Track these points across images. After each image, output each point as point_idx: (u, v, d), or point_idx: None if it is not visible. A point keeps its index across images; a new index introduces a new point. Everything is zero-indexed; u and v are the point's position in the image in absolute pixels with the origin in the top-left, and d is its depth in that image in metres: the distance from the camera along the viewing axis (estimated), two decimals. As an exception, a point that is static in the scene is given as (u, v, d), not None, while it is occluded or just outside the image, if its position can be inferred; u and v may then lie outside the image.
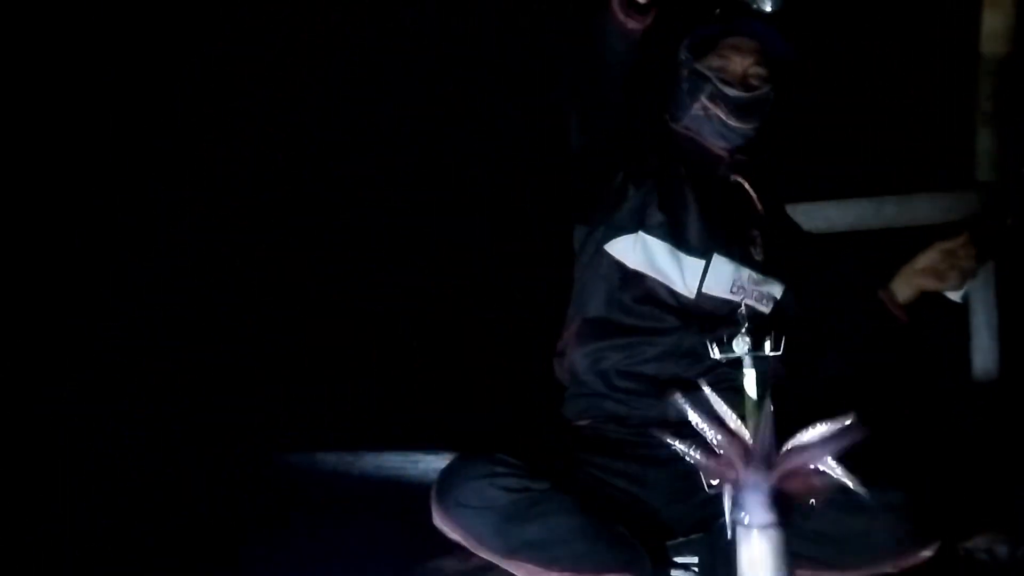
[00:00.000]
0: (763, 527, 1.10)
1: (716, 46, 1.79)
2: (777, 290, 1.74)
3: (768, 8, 1.75)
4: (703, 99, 1.77)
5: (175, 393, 2.51)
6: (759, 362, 1.21)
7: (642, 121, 1.87)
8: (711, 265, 1.70)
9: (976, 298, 2.23)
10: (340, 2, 2.71)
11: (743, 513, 1.10)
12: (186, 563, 1.88)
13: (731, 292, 1.69)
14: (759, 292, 1.72)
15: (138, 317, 2.58)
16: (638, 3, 1.48)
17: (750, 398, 1.18)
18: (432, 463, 2.07)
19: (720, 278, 1.70)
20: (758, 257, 1.74)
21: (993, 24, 2.23)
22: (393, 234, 2.79)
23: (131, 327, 2.56)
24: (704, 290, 1.69)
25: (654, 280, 1.71)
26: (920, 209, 2.25)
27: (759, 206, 1.79)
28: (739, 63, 1.76)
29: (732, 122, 1.75)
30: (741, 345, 1.23)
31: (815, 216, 2.17)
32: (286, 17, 2.71)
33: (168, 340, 2.61)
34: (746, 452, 1.14)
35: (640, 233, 1.72)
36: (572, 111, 1.72)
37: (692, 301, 1.69)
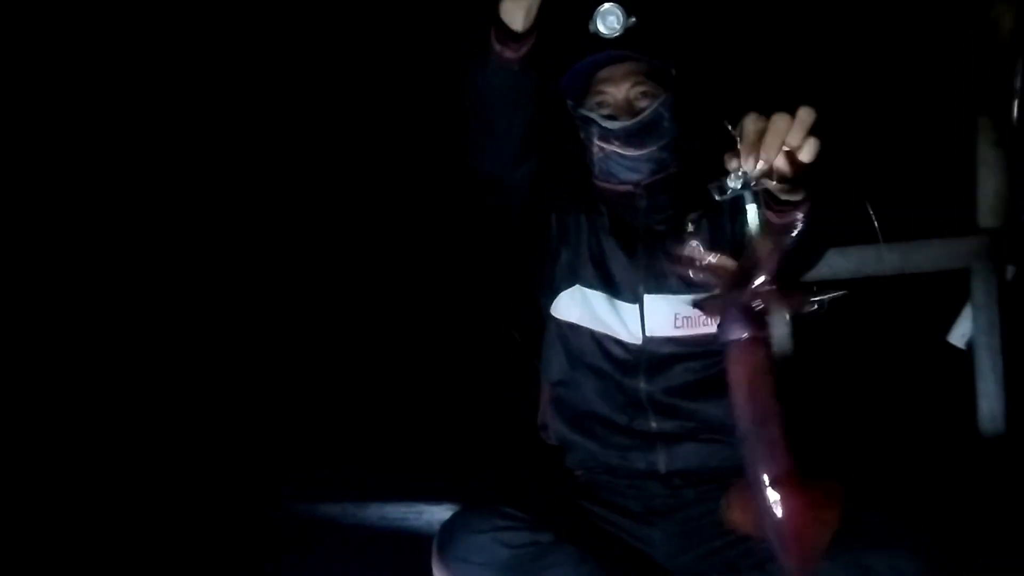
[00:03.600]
0: (742, 339, 1.16)
1: (591, 84, 1.75)
2: None
3: (607, 32, 1.65)
4: (596, 141, 1.74)
5: (175, 437, 2.50)
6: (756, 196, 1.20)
7: (569, 186, 1.83)
8: (644, 307, 1.68)
9: (980, 344, 2.23)
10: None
11: (727, 327, 1.17)
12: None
13: (675, 327, 1.66)
14: None
15: (133, 357, 2.58)
16: (512, 31, 1.47)
17: (751, 228, 1.20)
18: (435, 514, 2.07)
19: (659, 317, 1.67)
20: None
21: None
22: (402, 273, 2.79)
23: (126, 364, 2.56)
24: (648, 333, 1.67)
25: (601, 335, 1.70)
26: (923, 256, 2.25)
27: (690, 220, 1.71)
28: (616, 92, 1.72)
29: (630, 152, 1.71)
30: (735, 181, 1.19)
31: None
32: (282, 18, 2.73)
33: (171, 387, 2.61)
34: (729, 275, 1.19)
35: (578, 286, 1.73)
36: (482, 182, 1.70)
37: (641, 347, 1.67)
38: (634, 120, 1.69)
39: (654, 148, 1.72)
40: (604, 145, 1.73)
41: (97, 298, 2.52)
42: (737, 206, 1.27)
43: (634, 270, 1.70)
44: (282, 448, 2.54)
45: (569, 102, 1.79)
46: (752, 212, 1.20)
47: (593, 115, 1.72)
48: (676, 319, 1.66)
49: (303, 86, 2.79)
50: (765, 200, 1.27)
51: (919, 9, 2.43)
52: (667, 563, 1.57)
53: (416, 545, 1.72)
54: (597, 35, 1.66)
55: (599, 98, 1.74)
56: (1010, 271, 2.25)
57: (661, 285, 1.68)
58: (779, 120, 1.15)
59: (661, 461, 1.63)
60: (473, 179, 1.71)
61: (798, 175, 1.19)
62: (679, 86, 1.75)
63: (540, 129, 1.66)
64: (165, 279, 2.67)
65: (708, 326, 1.62)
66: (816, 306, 1.18)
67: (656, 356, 1.66)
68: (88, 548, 2.12)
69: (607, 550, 1.53)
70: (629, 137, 1.70)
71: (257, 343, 2.72)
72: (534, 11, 1.47)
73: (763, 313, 1.17)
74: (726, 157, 1.18)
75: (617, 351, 1.69)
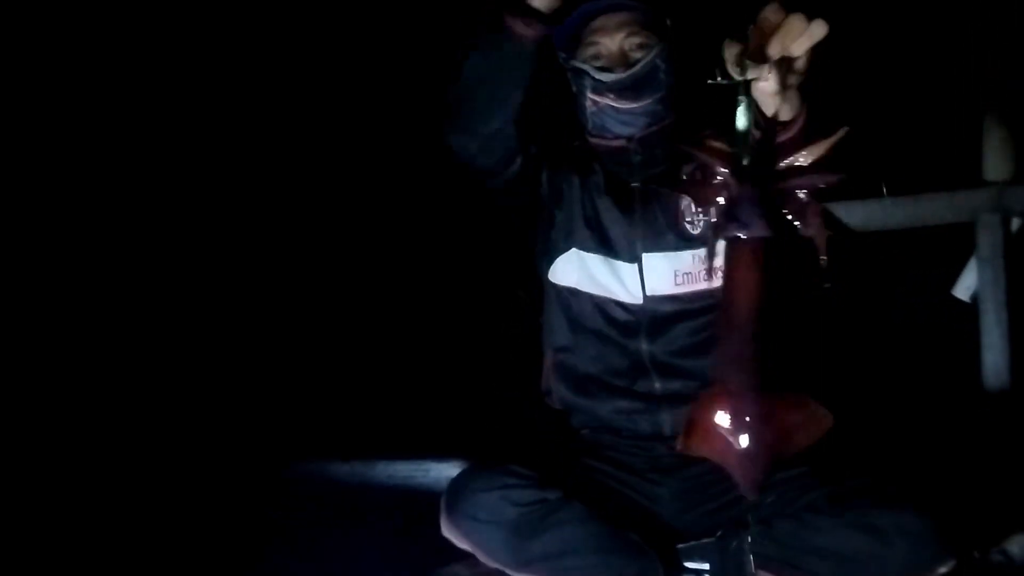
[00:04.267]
0: (753, 236, 1.13)
1: (584, 37, 1.70)
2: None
3: None
4: (589, 95, 1.68)
5: (186, 402, 2.51)
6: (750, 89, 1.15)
7: (562, 146, 1.80)
8: (644, 266, 1.65)
9: (986, 297, 2.23)
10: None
11: (733, 226, 1.13)
12: (197, 573, 1.88)
13: (676, 284, 1.64)
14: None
15: (144, 323, 2.58)
16: (534, 9, 1.43)
17: (740, 124, 1.15)
18: (443, 471, 2.08)
19: (659, 275, 1.65)
20: (696, 230, 1.65)
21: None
22: (405, 242, 2.79)
23: (136, 332, 2.56)
24: (649, 293, 1.65)
25: (601, 298, 1.68)
26: (929, 209, 2.24)
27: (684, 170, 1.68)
28: (610, 43, 1.66)
29: (624, 104, 1.65)
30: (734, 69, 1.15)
31: (822, 218, 2.16)
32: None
33: (177, 348, 2.61)
34: (737, 169, 1.15)
35: (574, 250, 1.71)
36: (471, 156, 1.65)
37: (642, 306, 1.66)
38: (629, 72, 1.63)
39: (649, 101, 1.65)
40: (597, 98, 1.67)
41: (93, 277, 2.52)
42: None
43: (631, 228, 1.68)
44: (289, 408, 2.55)
45: (561, 54, 1.74)
46: (743, 110, 1.15)
47: (586, 67, 1.66)
48: (676, 276, 1.64)
49: (296, 74, 2.77)
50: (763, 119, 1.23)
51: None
52: (674, 520, 1.59)
53: (424, 502, 1.73)
54: None
55: (592, 49, 1.68)
56: (1015, 224, 2.24)
57: (659, 242, 1.65)
58: (796, 20, 1.13)
59: (666, 423, 1.63)
60: (454, 155, 1.66)
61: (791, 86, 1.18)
62: (674, 36, 1.70)
63: (533, 106, 1.61)
64: (168, 255, 2.66)
65: (709, 282, 1.60)
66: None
67: (657, 315, 1.65)
68: (95, 506, 2.14)
69: (615, 507, 1.55)
70: (624, 90, 1.64)
71: (264, 304, 2.73)
72: None
73: (782, 208, 1.16)
74: (726, 44, 1.15)
75: (618, 313, 1.67)
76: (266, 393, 2.58)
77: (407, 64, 2.73)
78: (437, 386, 2.58)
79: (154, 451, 2.35)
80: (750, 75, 1.12)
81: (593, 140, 1.75)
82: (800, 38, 1.12)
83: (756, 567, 1.46)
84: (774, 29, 1.12)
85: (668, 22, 1.71)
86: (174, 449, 2.37)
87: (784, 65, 1.15)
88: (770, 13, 1.13)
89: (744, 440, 1.16)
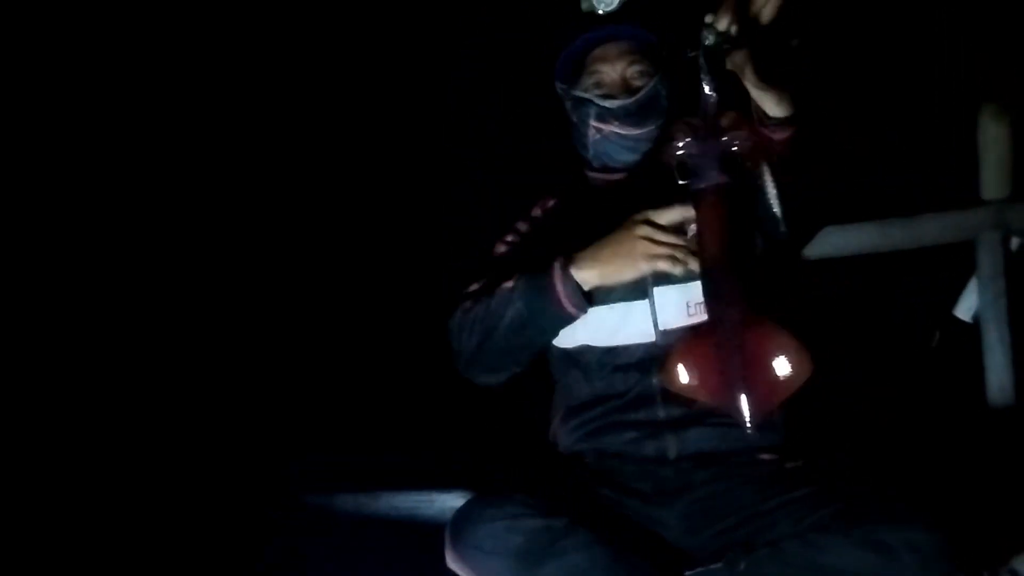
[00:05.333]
0: (715, 185, 1.37)
1: (585, 65, 1.74)
2: None
3: (602, 10, 1.68)
4: (592, 123, 1.71)
5: (185, 433, 2.50)
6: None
7: (559, 191, 1.84)
8: (655, 301, 1.65)
9: (987, 317, 2.22)
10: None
11: (694, 180, 1.37)
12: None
13: (689, 315, 1.63)
14: None
15: (142, 329, 2.57)
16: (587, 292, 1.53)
17: (703, 86, 1.34)
18: (447, 502, 2.06)
19: (671, 308, 1.64)
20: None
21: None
22: (405, 269, 2.79)
23: (134, 337, 2.55)
24: (662, 327, 1.64)
25: (611, 347, 1.68)
26: (926, 230, 2.24)
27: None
28: (611, 71, 1.70)
29: (629, 131, 1.69)
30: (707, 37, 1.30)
31: (819, 243, 2.16)
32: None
33: (175, 376, 2.59)
34: (693, 127, 1.39)
35: None
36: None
37: (654, 343, 1.65)
38: (633, 98, 1.67)
39: (652, 127, 1.70)
40: (602, 126, 1.71)
41: (91, 276, 2.51)
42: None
43: None
44: (291, 438, 2.53)
45: (561, 86, 1.77)
46: (703, 73, 1.33)
47: (590, 95, 1.70)
48: (689, 307, 1.63)
49: (296, 74, 2.78)
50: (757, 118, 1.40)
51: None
52: (680, 543, 1.57)
53: (429, 534, 1.72)
54: (591, 13, 1.68)
55: (594, 78, 1.72)
56: (1015, 242, 2.25)
57: (669, 275, 1.62)
58: None
59: (671, 447, 1.63)
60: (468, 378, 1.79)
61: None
62: (670, 65, 1.73)
63: None
64: (169, 264, 2.65)
65: None
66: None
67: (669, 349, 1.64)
68: (86, 540, 2.12)
69: (621, 533, 1.53)
70: (628, 116, 1.68)
71: (266, 332, 2.72)
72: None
73: (735, 159, 1.37)
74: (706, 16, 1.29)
75: (628, 356, 1.67)
76: (267, 423, 2.56)
77: (407, 66, 2.76)
78: (441, 415, 2.57)
79: (147, 476, 2.33)
80: (711, 39, 1.28)
81: (593, 175, 1.77)
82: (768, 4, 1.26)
83: (765, 589, 1.45)
84: None
85: (664, 53, 1.73)
86: (170, 477, 2.35)
87: (754, 35, 1.27)
88: None
89: (734, 368, 1.37)
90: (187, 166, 2.68)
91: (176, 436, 2.45)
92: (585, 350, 1.71)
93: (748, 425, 1.39)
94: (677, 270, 1.52)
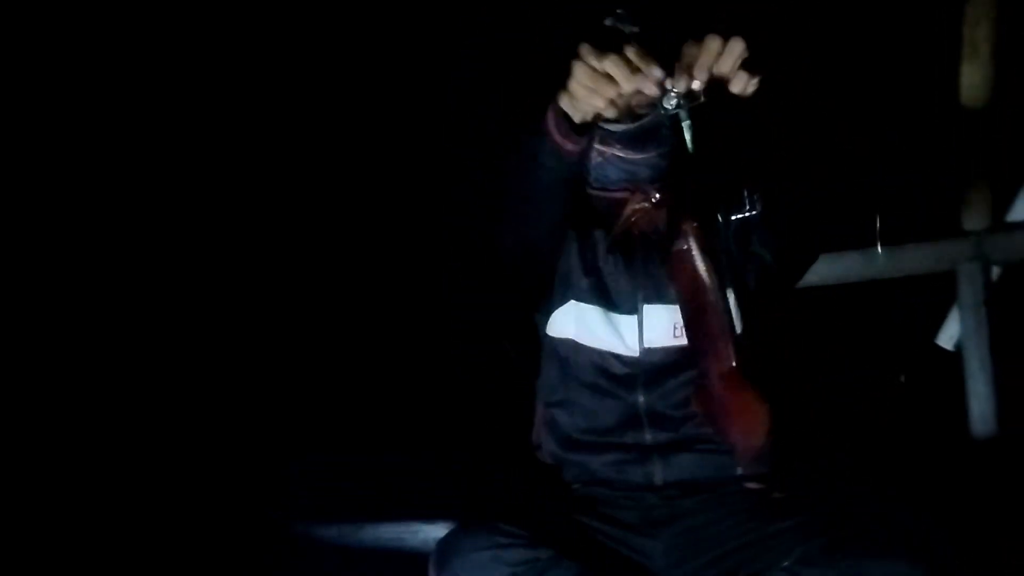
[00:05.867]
0: (679, 251, 1.41)
1: None
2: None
3: (627, 31, 1.65)
4: (596, 145, 1.71)
5: (167, 455, 2.48)
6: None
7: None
8: (644, 317, 1.66)
9: (969, 345, 2.24)
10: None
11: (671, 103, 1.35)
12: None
13: (674, 336, 1.64)
14: None
15: (142, 327, 2.55)
16: (575, 124, 1.45)
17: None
18: (431, 532, 2.05)
19: (657, 327, 1.65)
20: None
21: (972, 76, 2.26)
22: (386, 295, 2.79)
23: (134, 336, 2.53)
24: (646, 344, 1.65)
25: (598, 351, 1.68)
26: (909, 259, 2.26)
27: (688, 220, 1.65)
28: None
29: (630, 155, 1.69)
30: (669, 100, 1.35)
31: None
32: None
33: (177, 378, 2.57)
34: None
35: (572, 302, 1.71)
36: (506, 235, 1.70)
37: (637, 359, 1.66)
38: (637, 124, 1.66)
39: (653, 153, 1.69)
40: (604, 148, 1.71)
41: (92, 275, 2.49)
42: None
43: (632, 280, 1.68)
44: (274, 467, 2.52)
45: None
46: (686, 129, 1.36)
47: None
48: (675, 329, 1.63)
49: (295, 75, 2.78)
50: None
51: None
52: (667, 574, 1.57)
53: (413, 564, 1.71)
54: (613, 30, 1.65)
55: None
56: (995, 272, 2.27)
57: (661, 294, 1.65)
58: (711, 42, 1.31)
59: (657, 473, 1.63)
60: (494, 250, 1.72)
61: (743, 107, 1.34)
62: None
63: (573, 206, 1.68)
64: (168, 265, 2.63)
65: None
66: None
67: (654, 368, 1.65)
68: (86, 539, 2.10)
69: (607, 564, 1.53)
70: (630, 140, 1.68)
71: (247, 357, 2.70)
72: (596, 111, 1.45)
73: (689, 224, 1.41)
74: (666, 78, 1.34)
75: (615, 366, 1.67)
76: (250, 452, 2.54)
77: (407, 66, 2.76)
78: (423, 444, 2.56)
79: (132, 507, 2.31)
80: (672, 105, 1.34)
81: (594, 192, 1.77)
82: (723, 58, 1.30)
83: (750, 621, 1.45)
84: (695, 57, 1.30)
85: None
86: (153, 504, 2.33)
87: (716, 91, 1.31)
88: (689, 48, 1.32)
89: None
90: (188, 166, 2.67)
91: (175, 435, 2.43)
92: (571, 344, 1.71)
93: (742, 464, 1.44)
94: (609, 113, 1.45)
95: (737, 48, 1.30)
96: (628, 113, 1.68)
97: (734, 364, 1.40)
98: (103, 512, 2.09)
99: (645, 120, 1.66)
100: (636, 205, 1.66)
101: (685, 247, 1.41)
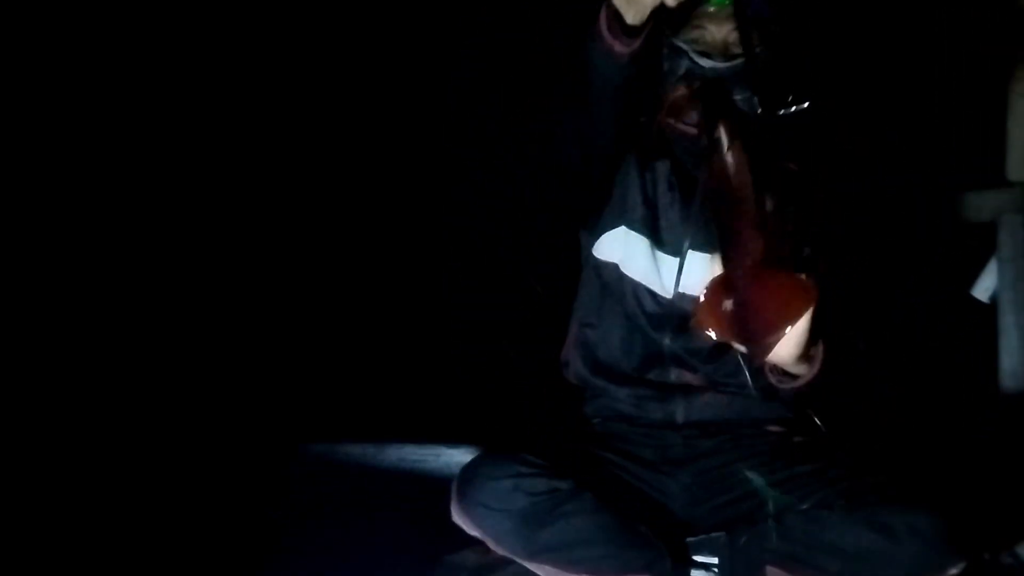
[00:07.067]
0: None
1: (692, 18, 1.66)
2: None
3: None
4: (680, 75, 1.64)
5: (192, 382, 2.52)
6: None
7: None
8: (685, 262, 1.57)
9: (1005, 299, 2.21)
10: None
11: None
12: (207, 555, 1.89)
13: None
14: None
15: (152, 308, 2.58)
16: (626, 25, 1.41)
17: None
18: (454, 456, 2.08)
19: (696, 274, 1.57)
20: None
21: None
22: (411, 231, 2.79)
23: (145, 319, 2.57)
24: (681, 289, 1.58)
25: (638, 283, 1.66)
26: (948, 209, 2.23)
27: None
28: (716, 31, 1.63)
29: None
30: None
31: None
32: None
33: (186, 333, 2.61)
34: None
35: (623, 228, 1.68)
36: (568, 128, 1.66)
37: (671, 302, 1.63)
38: (728, 64, 1.61)
39: (739, 97, 1.61)
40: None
41: (93, 269, 2.51)
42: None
43: (683, 222, 1.63)
44: (300, 389, 2.55)
45: (666, 30, 1.72)
46: None
47: (687, 47, 1.63)
48: None
49: (295, 75, 2.76)
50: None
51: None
52: (683, 513, 1.58)
53: (433, 487, 1.74)
54: None
55: (696, 33, 1.64)
56: (1038, 226, 2.23)
57: (708, 242, 1.56)
58: None
59: (678, 412, 1.63)
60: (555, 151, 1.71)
61: None
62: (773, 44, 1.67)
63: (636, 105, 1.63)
64: (169, 261, 2.65)
65: None
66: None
67: (684, 315, 1.61)
68: (101, 486, 2.15)
69: (625, 499, 1.54)
70: (717, 79, 1.61)
71: (276, 285, 2.73)
72: (649, 9, 1.40)
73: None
74: None
75: (648, 303, 1.66)
76: (276, 374, 2.58)
77: (407, 66, 2.75)
78: (450, 371, 2.58)
79: (157, 436, 2.35)
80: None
81: (668, 120, 1.73)
82: None
83: (765, 562, 1.47)
84: None
85: (776, 28, 1.69)
86: (177, 428, 2.37)
87: None
88: None
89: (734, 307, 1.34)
90: (188, 164, 2.67)
91: (175, 430, 2.46)
92: (615, 270, 1.70)
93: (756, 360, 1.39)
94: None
95: None
96: (721, 51, 1.64)
97: (762, 257, 1.34)
98: (102, 512, 2.11)
99: (737, 62, 1.61)
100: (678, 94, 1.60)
101: (718, 137, 1.36)
